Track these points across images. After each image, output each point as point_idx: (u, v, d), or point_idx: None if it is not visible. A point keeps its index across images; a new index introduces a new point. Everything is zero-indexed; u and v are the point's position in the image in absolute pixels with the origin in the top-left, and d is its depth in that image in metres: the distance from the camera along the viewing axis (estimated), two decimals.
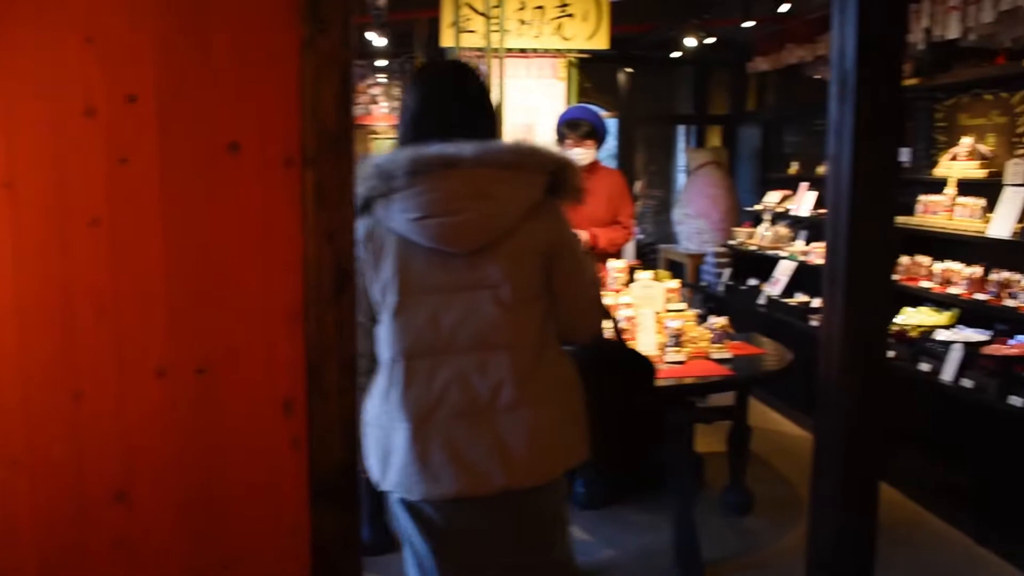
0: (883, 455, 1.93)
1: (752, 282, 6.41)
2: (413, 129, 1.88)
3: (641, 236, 9.03)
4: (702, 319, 3.94)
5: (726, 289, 6.58)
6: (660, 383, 3.28)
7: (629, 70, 7.45)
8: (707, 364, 3.51)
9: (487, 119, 1.92)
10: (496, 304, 1.79)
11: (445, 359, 1.79)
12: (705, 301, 7.27)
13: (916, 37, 4.54)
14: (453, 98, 1.90)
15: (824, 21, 5.62)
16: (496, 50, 4.17)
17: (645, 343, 3.58)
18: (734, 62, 7.68)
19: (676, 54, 6.97)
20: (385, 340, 1.84)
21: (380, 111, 8.11)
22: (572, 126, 4.24)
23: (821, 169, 6.16)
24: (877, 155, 1.81)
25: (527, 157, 1.80)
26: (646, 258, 8.67)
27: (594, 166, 4.27)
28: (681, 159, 8.64)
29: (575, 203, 1.91)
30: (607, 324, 2.15)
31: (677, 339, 3.54)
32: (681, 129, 9.15)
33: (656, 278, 3.85)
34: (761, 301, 5.89)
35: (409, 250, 1.79)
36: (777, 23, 6.29)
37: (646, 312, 3.61)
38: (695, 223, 7.46)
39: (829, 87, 1.83)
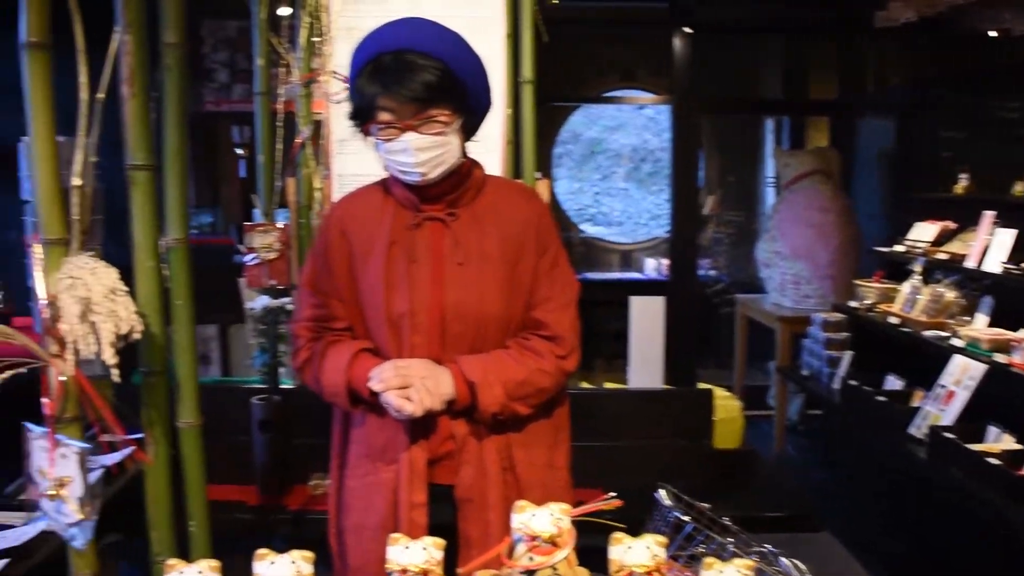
0: None
1: (893, 383, 3.76)
2: None
3: (711, 273, 6.36)
4: None
5: (844, 389, 3.93)
6: None
7: (688, 30, 4.89)
8: None
9: None
10: None
11: None
12: (804, 402, 4.64)
13: None
14: None
15: None
16: None
17: None
18: (850, 15, 5.13)
19: None
20: None
21: None
22: (385, 72, 1.54)
23: (1020, 188, 3.50)
24: None
25: None
26: (716, 310, 6.04)
27: (468, 180, 1.67)
28: (771, 166, 6.08)
29: None
30: None
31: None
32: (769, 122, 6.70)
33: None
34: (916, 430, 3.24)
35: None
36: None
37: None
38: (791, 266, 4.99)
39: None
